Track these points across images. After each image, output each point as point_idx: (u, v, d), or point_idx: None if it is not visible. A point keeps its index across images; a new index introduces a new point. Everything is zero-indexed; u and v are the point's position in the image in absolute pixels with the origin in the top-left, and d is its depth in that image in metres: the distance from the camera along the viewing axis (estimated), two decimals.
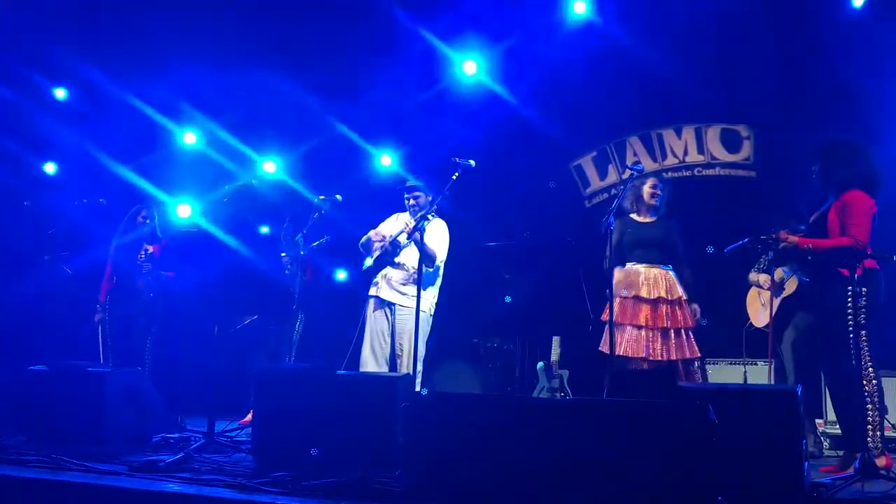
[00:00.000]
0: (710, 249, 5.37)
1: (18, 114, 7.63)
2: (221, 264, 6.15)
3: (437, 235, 5.49)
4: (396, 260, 5.53)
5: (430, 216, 5.14)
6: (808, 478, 3.56)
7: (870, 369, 4.29)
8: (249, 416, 5.34)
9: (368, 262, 5.64)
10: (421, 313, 4.91)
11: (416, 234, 4.91)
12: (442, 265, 5.56)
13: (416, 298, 4.77)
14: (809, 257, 4.39)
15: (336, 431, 4.03)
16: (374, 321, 5.52)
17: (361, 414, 4.03)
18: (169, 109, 7.67)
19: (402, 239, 5.44)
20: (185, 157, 7.81)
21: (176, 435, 5.02)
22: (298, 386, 4.27)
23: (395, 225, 5.69)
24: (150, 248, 6.46)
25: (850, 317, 4.26)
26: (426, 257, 5.03)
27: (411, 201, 5.63)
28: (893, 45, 5.98)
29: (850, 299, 4.25)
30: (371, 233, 5.69)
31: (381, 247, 5.53)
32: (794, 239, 4.47)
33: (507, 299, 7.31)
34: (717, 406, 3.20)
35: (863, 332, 4.30)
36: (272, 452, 4.17)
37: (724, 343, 6.06)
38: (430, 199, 5.63)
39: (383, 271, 5.53)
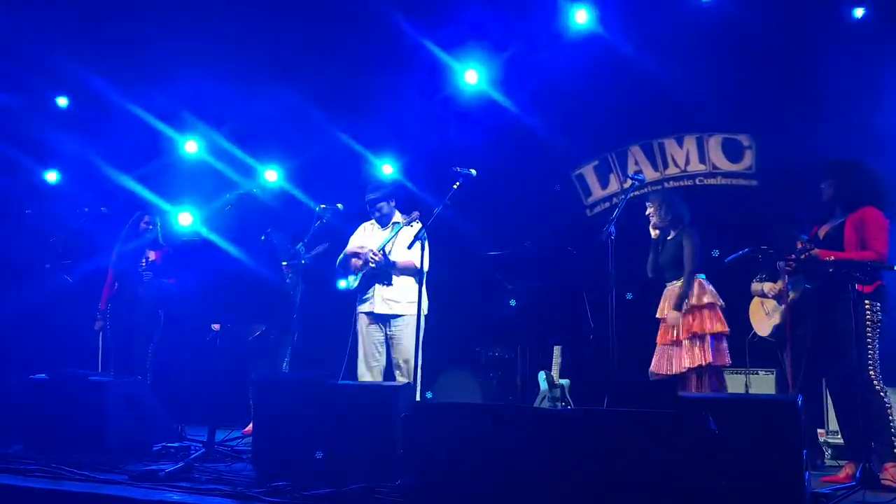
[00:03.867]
0: (715, 253, 5.42)
1: (20, 122, 7.65)
2: (222, 272, 6.15)
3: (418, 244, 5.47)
4: (385, 273, 5.47)
5: (413, 224, 5.16)
6: (809, 488, 3.56)
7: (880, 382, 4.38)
8: (250, 426, 5.33)
9: (353, 280, 5.54)
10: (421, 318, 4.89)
11: (415, 244, 4.90)
12: None
13: (410, 305, 4.74)
14: (831, 269, 4.37)
15: (336, 441, 4.03)
16: (368, 336, 5.46)
17: (362, 423, 4.03)
18: (171, 118, 7.69)
19: (396, 253, 5.39)
20: (187, 165, 7.83)
21: (176, 444, 5.02)
22: (299, 395, 4.27)
23: (368, 237, 5.63)
24: (153, 255, 6.46)
25: (868, 330, 4.37)
26: (419, 270, 4.99)
27: (377, 213, 5.61)
28: (893, 54, 6.00)
29: (868, 313, 4.37)
30: (348, 251, 5.62)
31: (364, 263, 5.46)
32: (816, 251, 4.46)
33: (512, 303, 7.30)
34: (717, 416, 3.20)
35: (874, 345, 4.38)
36: (272, 461, 4.17)
37: None
38: (393, 204, 5.62)
39: (374, 286, 5.46)
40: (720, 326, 5.15)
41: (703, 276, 5.30)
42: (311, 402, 4.19)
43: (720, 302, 5.22)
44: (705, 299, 5.18)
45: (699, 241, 5.30)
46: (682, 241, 5.31)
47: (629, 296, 6.54)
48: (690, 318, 5.17)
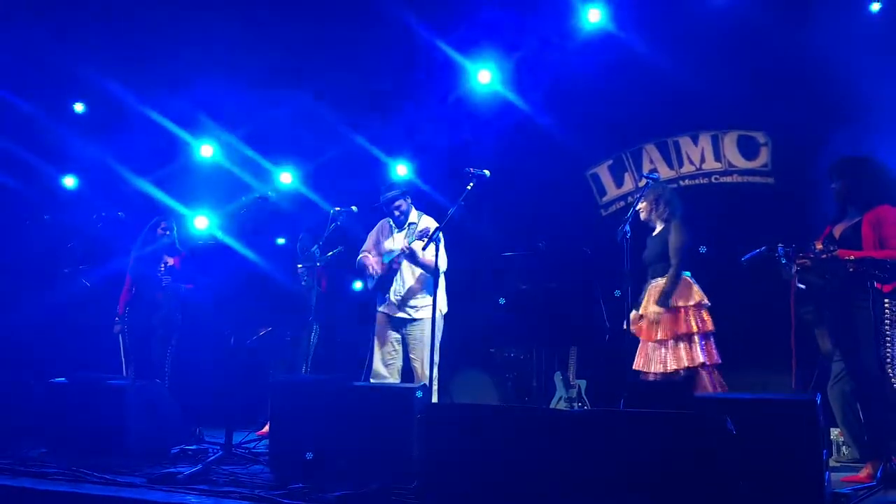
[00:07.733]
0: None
1: (38, 128, 7.71)
2: (239, 276, 6.18)
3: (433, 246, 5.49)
4: (403, 274, 5.50)
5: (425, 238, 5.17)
6: (829, 488, 3.53)
7: None
8: (267, 428, 5.36)
9: (371, 280, 5.62)
10: (437, 314, 4.90)
11: (430, 245, 4.91)
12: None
13: (426, 309, 4.75)
14: (852, 268, 4.34)
15: (353, 442, 4.04)
16: (386, 335, 5.51)
17: (378, 425, 4.04)
18: (186, 122, 7.73)
19: (418, 252, 5.41)
20: (203, 169, 7.87)
21: (194, 447, 5.07)
22: (315, 397, 4.29)
23: (385, 237, 5.67)
24: (170, 261, 6.49)
25: (887, 329, 4.34)
26: (436, 269, 5.03)
27: (396, 212, 5.63)
28: None
29: (887, 312, 4.34)
30: (365, 253, 5.68)
31: (380, 263, 5.52)
32: (837, 251, 4.43)
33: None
34: (735, 416, 3.19)
35: (893, 343, 4.36)
36: (289, 464, 4.18)
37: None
38: (409, 201, 5.65)
39: (393, 287, 5.50)
40: (707, 325, 5.02)
41: (688, 273, 5.15)
42: (328, 404, 4.21)
43: (706, 301, 5.08)
44: (692, 299, 5.04)
45: (688, 238, 5.15)
46: (670, 237, 5.14)
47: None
48: (676, 318, 5.02)
